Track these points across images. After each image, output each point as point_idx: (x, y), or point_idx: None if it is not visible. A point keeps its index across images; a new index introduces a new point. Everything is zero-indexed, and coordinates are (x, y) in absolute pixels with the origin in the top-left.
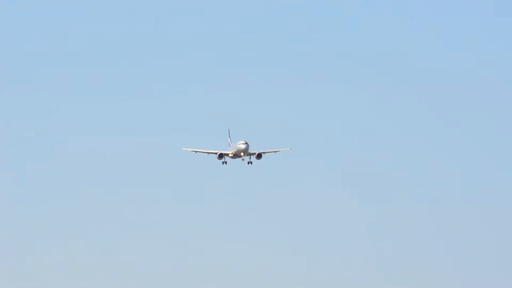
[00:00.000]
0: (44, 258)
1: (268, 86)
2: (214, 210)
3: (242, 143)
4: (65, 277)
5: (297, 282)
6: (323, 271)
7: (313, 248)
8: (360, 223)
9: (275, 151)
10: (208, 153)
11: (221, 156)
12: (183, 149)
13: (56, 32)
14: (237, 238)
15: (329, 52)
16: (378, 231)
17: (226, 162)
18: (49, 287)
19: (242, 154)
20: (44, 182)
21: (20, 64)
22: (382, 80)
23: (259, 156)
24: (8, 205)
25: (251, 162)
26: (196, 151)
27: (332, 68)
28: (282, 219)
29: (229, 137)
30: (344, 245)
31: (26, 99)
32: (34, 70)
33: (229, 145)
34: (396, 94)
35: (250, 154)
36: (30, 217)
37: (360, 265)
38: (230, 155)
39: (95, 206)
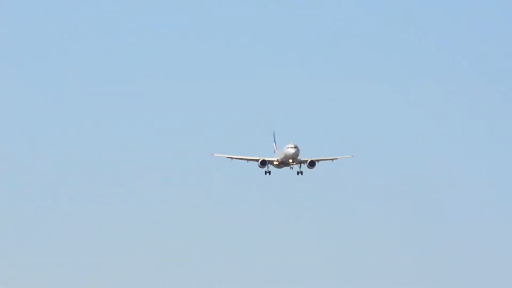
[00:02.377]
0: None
1: (323, 85)
2: (253, 231)
3: (291, 147)
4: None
5: None
6: None
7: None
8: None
9: (332, 159)
10: (248, 160)
11: (263, 163)
12: (215, 155)
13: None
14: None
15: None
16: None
17: (270, 172)
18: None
19: (290, 161)
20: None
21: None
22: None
23: (311, 164)
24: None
25: (301, 172)
26: (232, 158)
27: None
28: (338, 250)
29: (274, 141)
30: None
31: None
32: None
33: (274, 152)
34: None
35: (301, 162)
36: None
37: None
38: (275, 162)
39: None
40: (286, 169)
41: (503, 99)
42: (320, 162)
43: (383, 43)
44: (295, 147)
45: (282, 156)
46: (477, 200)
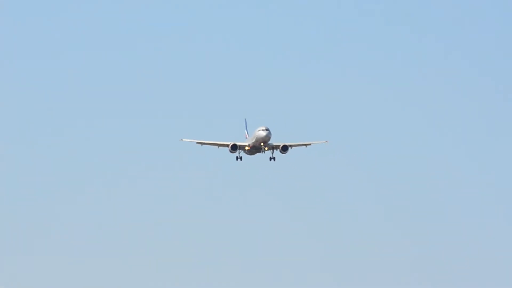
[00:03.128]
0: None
1: (294, 70)
2: (221, 219)
3: (263, 129)
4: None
5: None
6: None
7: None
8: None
9: (306, 144)
10: (218, 145)
11: (234, 148)
12: (184, 140)
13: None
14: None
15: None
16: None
17: (241, 158)
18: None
19: (262, 145)
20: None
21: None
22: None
23: (284, 148)
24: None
25: (274, 158)
26: (201, 143)
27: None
28: (314, 238)
29: (246, 129)
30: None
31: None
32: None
33: (246, 138)
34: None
35: (273, 147)
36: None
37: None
38: (246, 147)
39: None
40: (258, 155)
41: (499, 98)
42: (293, 148)
43: (370, 39)
44: (267, 129)
45: (253, 140)
46: (462, 190)
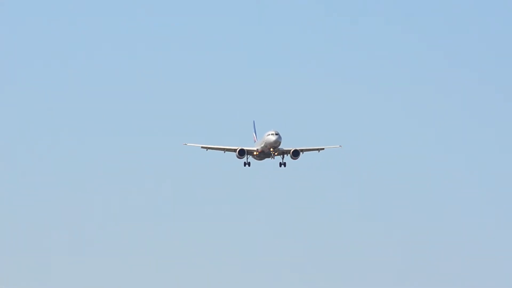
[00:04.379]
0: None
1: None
2: (229, 229)
3: (272, 134)
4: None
5: None
6: None
7: None
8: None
9: (318, 149)
10: (224, 150)
11: (242, 153)
12: (188, 144)
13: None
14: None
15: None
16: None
17: (249, 164)
18: None
19: (271, 150)
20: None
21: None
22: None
23: (295, 154)
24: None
25: (284, 164)
26: (206, 148)
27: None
28: (325, 250)
29: (255, 132)
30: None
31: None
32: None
33: (255, 142)
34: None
35: (284, 153)
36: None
37: None
38: (255, 152)
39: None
40: (267, 160)
41: (495, 99)
42: (305, 152)
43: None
44: (277, 133)
45: (262, 145)
46: (464, 193)
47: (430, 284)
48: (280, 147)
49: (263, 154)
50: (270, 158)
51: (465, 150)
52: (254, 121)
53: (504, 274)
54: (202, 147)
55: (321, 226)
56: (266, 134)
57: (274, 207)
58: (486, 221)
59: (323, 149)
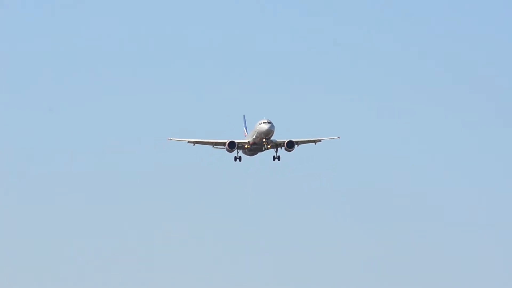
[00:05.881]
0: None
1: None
2: (219, 229)
3: (264, 122)
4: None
5: None
6: None
7: None
8: None
9: (315, 141)
10: (213, 144)
11: (232, 146)
12: (172, 139)
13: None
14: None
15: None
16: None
17: (240, 158)
18: None
19: (264, 141)
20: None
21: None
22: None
23: (290, 145)
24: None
25: (278, 157)
26: (193, 142)
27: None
28: (323, 251)
29: (245, 126)
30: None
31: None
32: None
33: (245, 137)
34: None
35: (277, 145)
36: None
37: None
38: (246, 146)
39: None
40: (259, 155)
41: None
42: (300, 145)
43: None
44: (269, 122)
45: (254, 136)
46: (461, 185)
47: (429, 283)
48: (273, 138)
49: (255, 146)
50: (262, 151)
51: (463, 144)
52: (244, 116)
53: (501, 275)
54: (188, 142)
55: (320, 226)
56: (258, 123)
57: (268, 205)
58: (481, 216)
59: (320, 141)
